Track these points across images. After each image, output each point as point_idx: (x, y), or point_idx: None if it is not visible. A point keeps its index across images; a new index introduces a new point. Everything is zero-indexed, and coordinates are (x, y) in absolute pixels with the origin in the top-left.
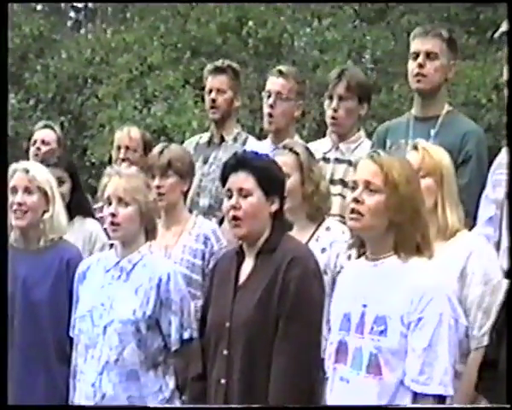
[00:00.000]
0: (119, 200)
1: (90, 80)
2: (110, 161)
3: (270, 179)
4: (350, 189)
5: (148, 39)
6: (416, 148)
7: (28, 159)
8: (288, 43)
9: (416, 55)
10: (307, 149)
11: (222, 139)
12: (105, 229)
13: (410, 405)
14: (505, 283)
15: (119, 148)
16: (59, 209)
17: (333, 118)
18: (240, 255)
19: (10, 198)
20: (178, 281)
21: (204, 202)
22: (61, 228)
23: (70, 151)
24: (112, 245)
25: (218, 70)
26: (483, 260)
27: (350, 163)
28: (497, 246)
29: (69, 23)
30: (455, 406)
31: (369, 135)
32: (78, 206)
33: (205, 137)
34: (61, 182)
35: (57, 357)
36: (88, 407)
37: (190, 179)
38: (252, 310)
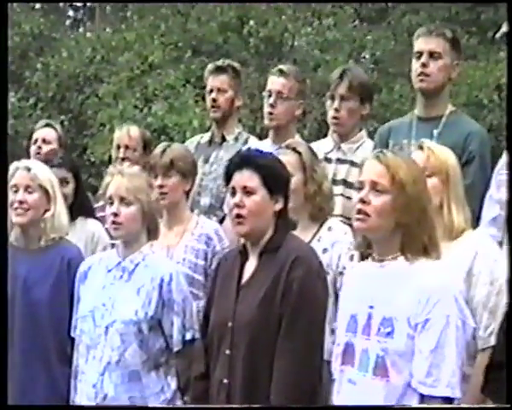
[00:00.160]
0: (122, 199)
1: (90, 79)
2: (110, 161)
3: (274, 178)
4: (356, 189)
5: (149, 38)
6: (421, 147)
7: (28, 157)
8: (288, 42)
9: (420, 54)
10: (310, 148)
11: (223, 139)
12: (106, 228)
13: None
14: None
15: (118, 147)
16: (60, 209)
17: (335, 118)
18: (243, 254)
19: (11, 196)
20: (180, 281)
21: (205, 201)
22: (62, 228)
23: (70, 150)
24: (113, 245)
25: (218, 70)
26: (489, 259)
27: (352, 163)
28: (500, 246)
29: (68, 22)
30: (454, 406)
31: (370, 135)
32: (81, 206)
33: (206, 136)
34: (65, 182)
35: (58, 357)
36: (88, 407)
37: (193, 179)
38: (254, 310)
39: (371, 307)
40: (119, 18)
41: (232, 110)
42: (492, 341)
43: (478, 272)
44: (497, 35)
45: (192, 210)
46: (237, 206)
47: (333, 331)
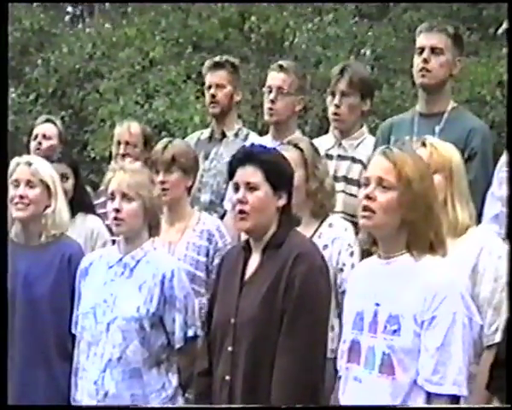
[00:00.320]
0: (123, 195)
1: (91, 75)
2: (111, 157)
3: (278, 174)
4: (357, 185)
5: (150, 34)
6: (424, 144)
7: (28, 153)
8: (290, 38)
9: (422, 50)
10: (312, 145)
11: (223, 135)
12: (107, 225)
13: (421, 405)
14: None
15: (119, 143)
16: (61, 205)
17: (335, 114)
18: (246, 250)
19: (12, 191)
20: (182, 278)
21: (205, 197)
22: (63, 224)
23: (70, 146)
24: (114, 241)
25: (216, 65)
26: (494, 256)
27: (353, 160)
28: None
29: (67, 18)
30: (455, 406)
31: (371, 131)
32: (81, 202)
33: (206, 132)
34: (65, 178)
35: (58, 354)
36: (87, 407)
37: (194, 175)
38: (257, 306)
39: (377, 304)
40: (119, 14)
41: (231, 105)
42: (497, 338)
43: (483, 268)
44: (499, 31)
45: (192, 206)
46: (240, 202)
47: (332, 328)
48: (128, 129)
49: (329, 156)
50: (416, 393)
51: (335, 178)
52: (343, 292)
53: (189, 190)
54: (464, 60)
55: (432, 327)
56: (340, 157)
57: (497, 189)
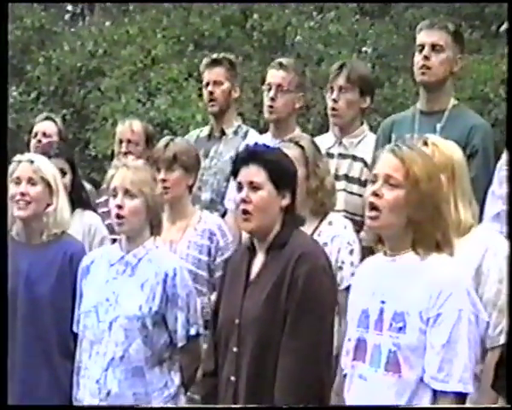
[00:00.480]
0: (126, 191)
1: (92, 73)
2: (113, 155)
3: (281, 173)
4: (370, 182)
5: (151, 32)
6: (425, 143)
7: (29, 151)
8: (291, 36)
9: (422, 47)
10: (313, 143)
11: (222, 132)
12: (108, 224)
13: (427, 403)
14: None
15: (121, 141)
16: (62, 203)
17: (333, 109)
18: (251, 251)
19: (13, 189)
20: (185, 276)
21: (206, 196)
22: (65, 222)
23: (72, 144)
24: (115, 240)
25: (213, 63)
26: (499, 257)
27: (354, 158)
28: None
29: (67, 16)
30: (454, 406)
31: (373, 129)
32: (78, 198)
33: (205, 130)
34: (62, 173)
35: (60, 353)
36: (88, 407)
37: (195, 173)
38: (260, 307)
39: (383, 301)
40: (120, 11)
41: (230, 102)
42: (502, 339)
43: (487, 269)
44: (502, 28)
45: (193, 205)
46: (244, 201)
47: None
48: (130, 127)
49: (330, 155)
50: (423, 391)
51: (336, 177)
52: (344, 290)
53: (190, 188)
54: (467, 57)
55: (437, 324)
56: (341, 156)
57: (498, 187)
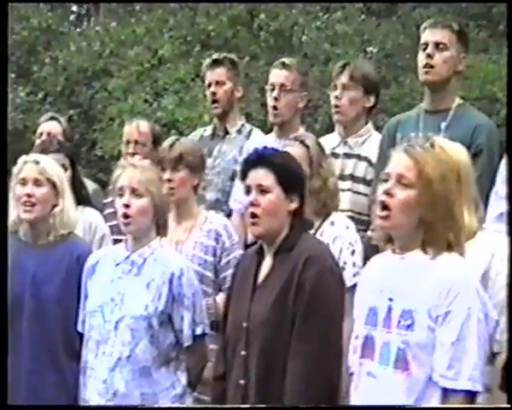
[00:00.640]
0: (133, 190)
1: (99, 73)
2: (120, 155)
3: (289, 177)
4: (381, 181)
5: (158, 32)
6: (432, 145)
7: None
8: (298, 36)
9: (426, 46)
10: (318, 143)
11: (226, 132)
12: (115, 226)
13: (436, 401)
14: None
15: (128, 142)
16: (69, 203)
17: (336, 106)
18: (260, 254)
19: (19, 190)
20: (191, 276)
21: (211, 196)
22: (71, 223)
23: (79, 145)
24: (116, 241)
25: (215, 63)
26: (506, 262)
27: (359, 157)
28: None
29: (72, 17)
30: (453, 406)
31: (380, 129)
32: (78, 195)
33: (208, 129)
34: (63, 168)
35: (66, 353)
36: (87, 408)
37: (201, 173)
38: (268, 310)
39: (390, 299)
40: (126, 12)
41: (233, 102)
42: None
43: (495, 274)
44: None
45: (199, 205)
46: (252, 204)
47: None
48: (137, 128)
49: (335, 155)
50: (432, 389)
51: (342, 177)
52: (346, 290)
53: (195, 188)
54: (473, 57)
55: (446, 322)
56: (346, 155)
57: (501, 187)
